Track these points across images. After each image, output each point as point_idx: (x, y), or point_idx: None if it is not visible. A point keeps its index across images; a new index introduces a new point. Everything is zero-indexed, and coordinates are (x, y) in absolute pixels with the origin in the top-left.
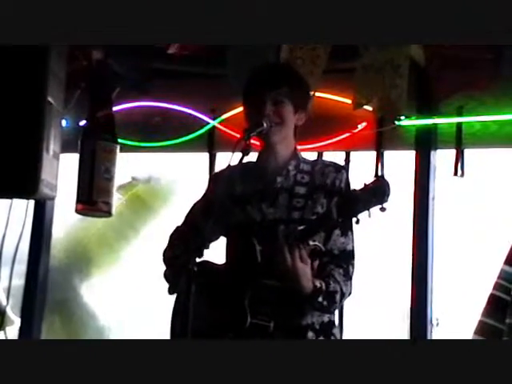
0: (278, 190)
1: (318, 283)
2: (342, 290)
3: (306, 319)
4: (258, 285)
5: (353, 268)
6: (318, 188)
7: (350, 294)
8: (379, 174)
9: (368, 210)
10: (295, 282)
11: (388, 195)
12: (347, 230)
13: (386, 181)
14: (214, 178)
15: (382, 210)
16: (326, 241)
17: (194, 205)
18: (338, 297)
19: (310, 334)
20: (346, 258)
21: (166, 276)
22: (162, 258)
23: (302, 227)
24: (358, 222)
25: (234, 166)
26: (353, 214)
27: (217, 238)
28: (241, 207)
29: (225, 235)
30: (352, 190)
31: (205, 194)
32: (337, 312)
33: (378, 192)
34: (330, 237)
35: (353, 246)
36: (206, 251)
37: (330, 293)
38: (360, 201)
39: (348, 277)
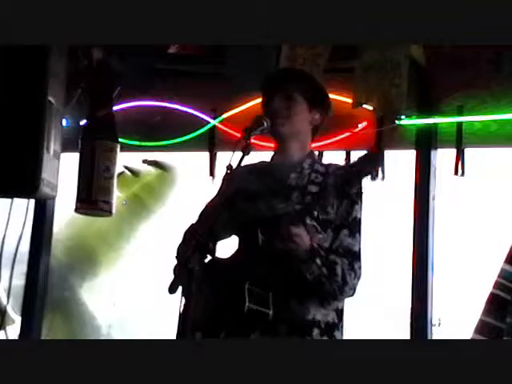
0: (291, 187)
1: (315, 245)
2: (343, 268)
3: (311, 315)
4: (259, 271)
5: (359, 267)
6: (330, 189)
7: (353, 289)
8: (380, 173)
9: (365, 175)
10: (291, 239)
11: (381, 160)
12: (355, 231)
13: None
14: (229, 177)
15: (374, 179)
16: (333, 240)
17: (208, 203)
18: (338, 269)
19: (316, 332)
20: (351, 257)
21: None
22: (175, 254)
23: (299, 206)
24: (360, 192)
25: (249, 165)
26: (351, 185)
27: (228, 236)
28: (252, 203)
29: (236, 234)
30: (348, 164)
31: (218, 193)
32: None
33: (370, 157)
34: (337, 236)
35: (359, 249)
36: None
37: (329, 261)
38: (354, 168)
39: (352, 268)
